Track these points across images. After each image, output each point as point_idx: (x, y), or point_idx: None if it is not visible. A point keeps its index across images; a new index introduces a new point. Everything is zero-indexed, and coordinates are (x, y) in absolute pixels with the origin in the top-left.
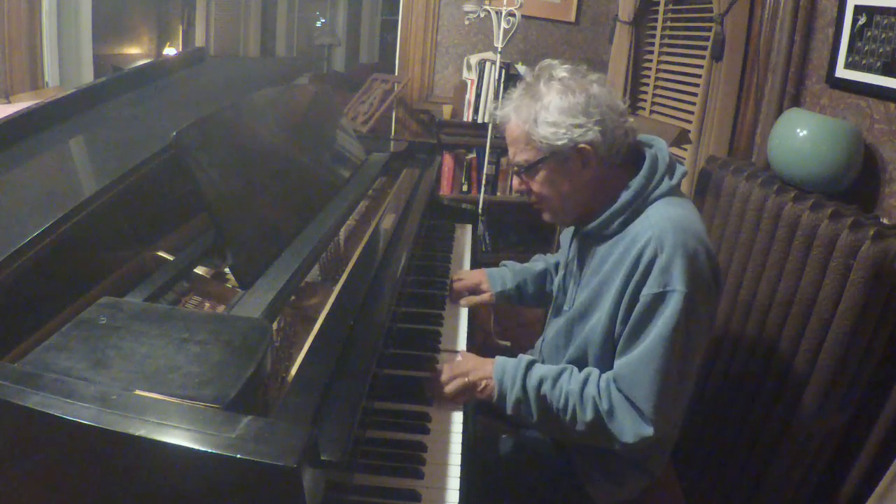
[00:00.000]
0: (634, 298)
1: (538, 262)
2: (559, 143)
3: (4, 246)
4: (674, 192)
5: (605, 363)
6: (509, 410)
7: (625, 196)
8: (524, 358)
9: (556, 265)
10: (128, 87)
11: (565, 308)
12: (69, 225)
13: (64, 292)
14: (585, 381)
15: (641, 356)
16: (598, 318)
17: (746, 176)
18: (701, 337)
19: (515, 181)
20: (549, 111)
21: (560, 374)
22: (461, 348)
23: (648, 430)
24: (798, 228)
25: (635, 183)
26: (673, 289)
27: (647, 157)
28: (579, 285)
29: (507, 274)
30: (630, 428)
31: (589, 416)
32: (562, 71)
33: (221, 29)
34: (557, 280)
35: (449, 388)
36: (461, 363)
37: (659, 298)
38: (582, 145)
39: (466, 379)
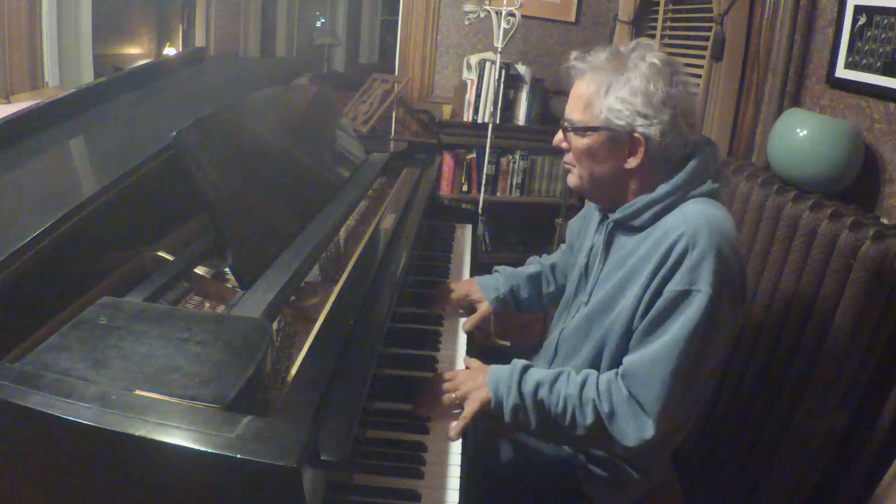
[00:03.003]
0: (658, 293)
1: (531, 265)
2: (618, 121)
3: (4, 246)
4: (714, 195)
5: (620, 359)
6: (507, 418)
7: (663, 188)
8: (518, 363)
9: (552, 266)
10: (128, 87)
11: (584, 300)
12: (69, 225)
13: (64, 292)
14: (584, 384)
15: (655, 355)
16: (620, 312)
17: (746, 176)
18: (719, 343)
19: (558, 136)
20: (624, 88)
21: (557, 378)
22: (461, 349)
23: (650, 433)
24: (798, 228)
25: (678, 177)
26: (699, 289)
27: (698, 154)
28: (599, 278)
29: (498, 279)
30: (632, 430)
31: (589, 419)
32: (656, 57)
33: (221, 29)
34: (577, 270)
35: (443, 403)
36: (453, 377)
37: (683, 296)
38: (637, 134)
39: (456, 393)
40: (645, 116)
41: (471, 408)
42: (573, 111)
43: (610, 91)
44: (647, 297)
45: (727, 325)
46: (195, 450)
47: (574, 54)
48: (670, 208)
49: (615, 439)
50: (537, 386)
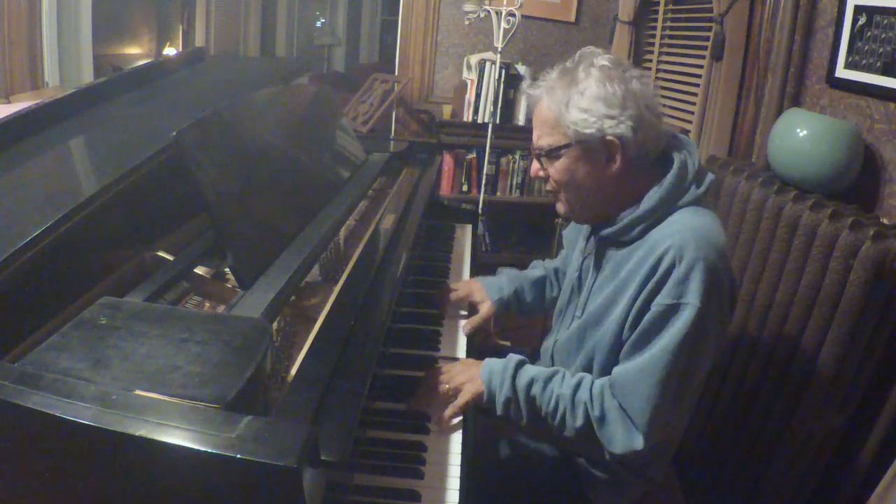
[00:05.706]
0: (646, 306)
1: (536, 269)
2: (587, 131)
3: (4, 246)
4: (700, 201)
5: (610, 371)
6: (499, 411)
7: (648, 202)
8: (514, 357)
9: (556, 271)
10: (128, 87)
11: (577, 313)
12: (69, 225)
13: (64, 292)
14: (578, 386)
15: (643, 366)
16: (609, 325)
17: (746, 176)
18: (707, 354)
19: (534, 166)
20: (583, 97)
21: (552, 377)
22: (461, 349)
23: (639, 443)
24: (798, 228)
25: (661, 189)
26: (687, 302)
27: (676, 161)
28: (592, 290)
29: (503, 280)
30: (621, 438)
31: (579, 421)
32: (604, 59)
33: (221, 29)
34: (568, 281)
35: (437, 396)
36: (448, 370)
37: (671, 310)
38: (609, 137)
39: (450, 384)
40: (612, 118)
41: (463, 399)
42: (541, 138)
43: (570, 105)
44: (635, 310)
45: (715, 334)
46: (195, 450)
47: (525, 83)
48: (658, 222)
49: (603, 444)
50: (531, 382)
